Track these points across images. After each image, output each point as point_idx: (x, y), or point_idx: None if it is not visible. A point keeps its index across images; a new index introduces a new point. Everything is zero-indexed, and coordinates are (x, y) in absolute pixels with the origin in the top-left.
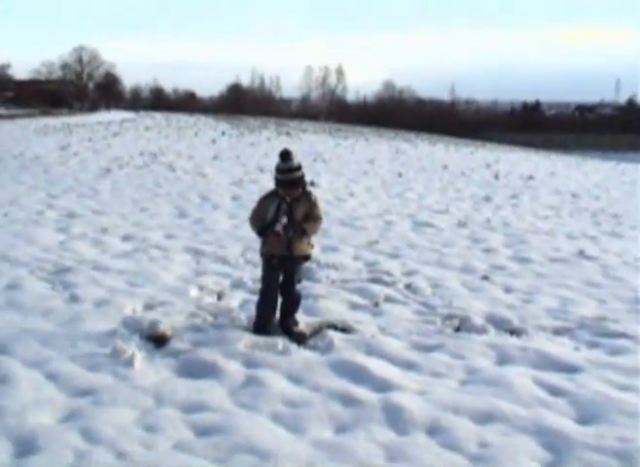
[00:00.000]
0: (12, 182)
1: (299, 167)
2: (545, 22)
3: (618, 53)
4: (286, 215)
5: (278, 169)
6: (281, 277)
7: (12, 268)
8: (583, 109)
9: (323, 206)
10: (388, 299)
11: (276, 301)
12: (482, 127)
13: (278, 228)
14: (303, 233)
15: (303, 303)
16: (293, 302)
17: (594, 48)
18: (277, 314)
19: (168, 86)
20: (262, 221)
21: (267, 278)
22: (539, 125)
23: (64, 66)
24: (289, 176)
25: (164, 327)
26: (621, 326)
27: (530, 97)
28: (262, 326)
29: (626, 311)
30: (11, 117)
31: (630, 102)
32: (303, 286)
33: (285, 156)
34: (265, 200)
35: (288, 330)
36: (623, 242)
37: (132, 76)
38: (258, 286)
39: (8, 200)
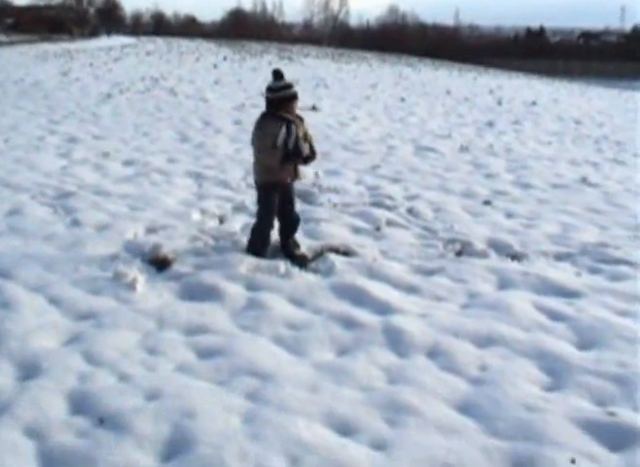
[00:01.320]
0: (12, 108)
1: (291, 85)
2: None
3: None
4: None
5: (274, 88)
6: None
7: (13, 193)
8: (587, 36)
9: (324, 131)
10: (390, 223)
11: (274, 226)
12: (486, 53)
13: (305, 152)
14: (314, 156)
15: (305, 226)
16: (295, 224)
17: None
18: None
19: (169, 11)
20: (276, 148)
21: (271, 205)
22: (543, 52)
23: None
24: (287, 92)
25: (166, 251)
26: (621, 252)
27: (534, 23)
28: (258, 251)
29: (628, 238)
30: (11, 43)
31: (635, 30)
32: (305, 210)
33: (278, 75)
34: (271, 124)
35: (290, 253)
36: (626, 169)
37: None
38: None
39: (8, 126)
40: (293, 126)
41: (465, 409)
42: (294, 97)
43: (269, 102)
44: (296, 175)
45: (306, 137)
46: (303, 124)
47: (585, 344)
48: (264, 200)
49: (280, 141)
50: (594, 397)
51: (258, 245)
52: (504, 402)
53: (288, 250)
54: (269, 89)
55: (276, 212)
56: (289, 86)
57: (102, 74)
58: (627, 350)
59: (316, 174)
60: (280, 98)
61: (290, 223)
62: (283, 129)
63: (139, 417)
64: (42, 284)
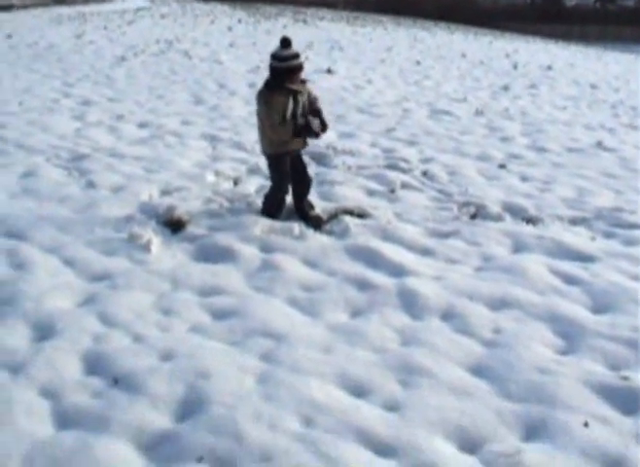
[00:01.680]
0: (26, 71)
1: (299, 54)
2: None
3: None
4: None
5: (281, 57)
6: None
7: (28, 155)
8: (605, 0)
9: (339, 94)
10: (404, 185)
11: (288, 191)
12: (502, 17)
13: (316, 128)
14: (325, 128)
15: (320, 188)
16: (308, 185)
17: None
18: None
19: None
20: (285, 122)
21: (284, 172)
22: (559, 16)
23: None
24: (294, 63)
25: (181, 212)
26: (636, 217)
27: None
28: (273, 215)
29: None
30: (24, 6)
31: None
32: (320, 172)
33: (286, 42)
34: (277, 98)
35: (305, 215)
36: None
37: None
38: None
39: (22, 89)
40: (299, 97)
41: (478, 371)
42: (300, 68)
43: (275, 71)
44: (304, 144)
45: (313, 103)
46: (306, 87)
47: (599, 308)
48: (275, 168)
49: (289, 114)
50: (608, 361)
51: (272, 210)
52: (517, 365)
53: (302, 212)
54: (276, 57)
55: (289, 177)
56: (296, 55)
57: (116, 37)
58: None
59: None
60: (286, 68)
61: (303, 185)
62: (290, 103)
63: (153, 378)
64: (56, 245)
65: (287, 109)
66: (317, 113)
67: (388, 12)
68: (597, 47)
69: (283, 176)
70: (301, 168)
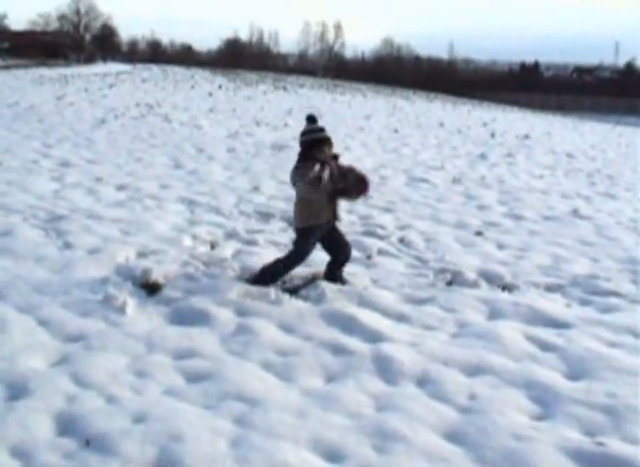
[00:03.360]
0: (6, 131)
1: (323, 128)
2: None
3: (617, 16)
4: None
5: (304, 131)
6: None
7: (5, 215)
8: (581, 71)
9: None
10: (381, 252)
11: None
12: (480, 87)
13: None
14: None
15: None
16: (350, 252)
17: (594, 10)
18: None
19: (166, 39)
20: (318, 182)
21: (305, 250)
22: (537, 86)
23: (61, 17)
24: (318, 135)
25: (157, 275)
26: (612, 284)
27: (529, 58)
28: (268, 281)
29: (618, 270)
30: (6, 67)
31: (629, 66)
32: None
33: (311, 119)
34: (305, 164)
35: (334, 276)
36: (618, 203)
37: (129, 28)
38: (251, 236)
39: (2, 149)
40: (326, 165)
41: (453, 437)
42: (324, 140)
43: (301, 145)
44: (334, 216)
45: (346, 173)
46: (338, 161)
47: (574, 375)
48: (300, 244)
49: (316, 173)
50: (583, 427)
51: (267, 278)
52: (492, 431)
53: (335, 275)
54: (301, 133)
55: (308, 257)
56: (320, 129)
57: (97, 99)
58: (617, 381)
59: None
60: (311, 141)
61: (344, 253)
62: (317, 166)
63: (126, 440)
64: (32, 305)
65: (315, 170)
66: (351, 171)
67: (368, 81)
68: (574, 116)
69: (302, 255)
70: (339, 238)
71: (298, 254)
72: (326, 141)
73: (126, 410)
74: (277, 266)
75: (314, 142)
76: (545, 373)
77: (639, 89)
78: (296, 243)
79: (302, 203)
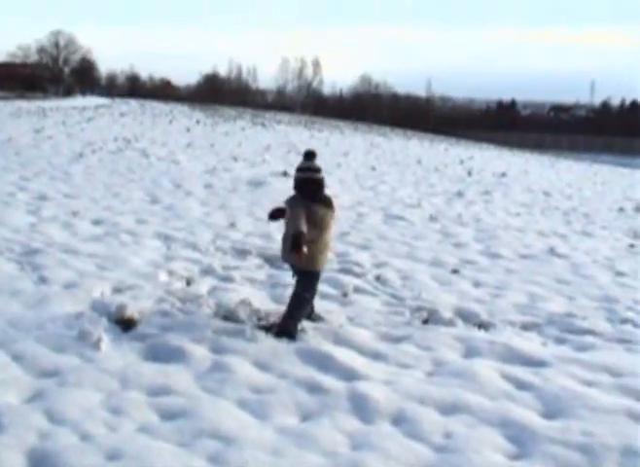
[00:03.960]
0: None
1: (320, 169)
2: (522, 24)
3: (593, 55)
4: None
5: (304, 168)
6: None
7: None
8: (558, 109)
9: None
10: (357, 289)
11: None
12: (458, 125)
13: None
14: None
15: (273, 291)
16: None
17: (570, 49)
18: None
19: (144, 73)
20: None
21: (315, 289)
22: (514, 125)
23: (40, 50)
24: (312, 176)
25: (132, 311)
26: (588, 323)
27: (506, 96)
28: (294, 335)
29: (594, 309)
30: None
31: (605, 104)
32: (273, 274)
33: (310, 155)
34: (298, 207)
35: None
36: (594, 241)
37: (108, 62)
38: (227, 273)
39: None
40: (314, 209)
41: None
42: (315, 182)
43: (296, 182)
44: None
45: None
46: (331, 209)
47: (550, 414)
48: (311, 285)
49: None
50: (559, 466)
51: (292, 326)
52: None
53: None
54: (297, 169)
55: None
56: (316, 169)
57: (75, 133)
58: (593, 420)
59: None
60: (305, 179)
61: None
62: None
63: None
64: (6, 340)
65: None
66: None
67: (346, 117)
68: (551, 154)
69: (314, 294)
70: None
71: (310, 295)
72: (315, 183)
73: (100, 447)
74: (300, 315)
75: (308, 181)
76: (521, 411)
77: (615, 127)
78: (305, 286)
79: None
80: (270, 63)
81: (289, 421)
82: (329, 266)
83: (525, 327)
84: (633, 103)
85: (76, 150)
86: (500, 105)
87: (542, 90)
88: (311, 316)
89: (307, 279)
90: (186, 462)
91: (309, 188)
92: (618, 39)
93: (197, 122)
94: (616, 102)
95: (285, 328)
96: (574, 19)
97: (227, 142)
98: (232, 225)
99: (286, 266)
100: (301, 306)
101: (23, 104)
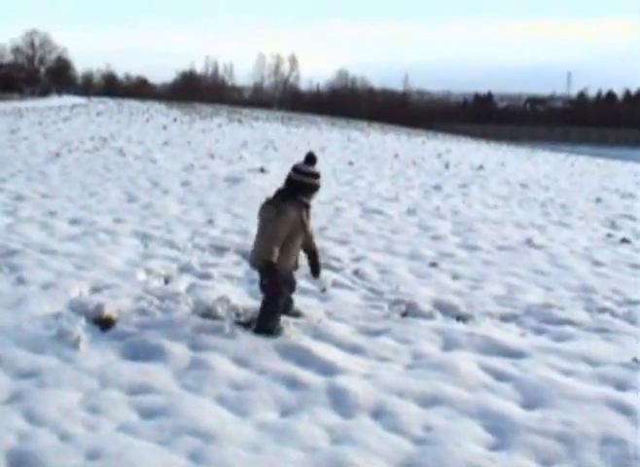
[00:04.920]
0: None
1: (319, 175)
2: (497, 16)
3: (569, 46)
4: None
5: (303, 172)
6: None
7: None
8: (534, 101)
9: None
10: (336, 284)
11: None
12: (435, 118)
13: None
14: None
15: (250, 287)
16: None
17: (546, 41)
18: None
19: (121, 72)
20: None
21: (278, 284)
22: (491, 117)
23: (16, 50)
24: (314, 181)
25: (110, 310)
26: (566, 313)
27: (482, 89)
28: (272, 330)
29: (572, 299)
30: None
31: (581, 95)
32: (250, 271)
33: (312, 159)
34: (290, 211)
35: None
36: (571, 232)
37: (85, 61)
38: (205, 270)
39: None
40: (307, 214)
41: None
42: (316, 188)
43: (292, 183)
44: (296, 265)
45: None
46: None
47: (529, 404)
48: (269, 283)
49: (308, 230)
50: (539, 456)
51: (270, 323)
52: (448, 461)
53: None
54: (298, 170)
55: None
56: (316, 175)
57: (51, 133)
58: (572, 409)
59: None
60: (301, 183)
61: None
62: (303, 218)
63: None
64: None
65: (300, 225)
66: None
67: (323, 113)
68: (528, 146)
69: (278, 290)
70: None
71: (280, 293)
72: (315, 189)
73: (80, 447)
74: (277, 313)
75: (304, 185)
76: (500, 402)
77: (591, 118)
78: (264, 285)
79: (267, 248)
80: (247, 60)
81: (268, 417)
82: (306, 261)
83: (504, 318)
84: (609, 94)
85: (52, 150)
86: (477, 98)
87: (518, 83)
88: (289, 311)
89: (266, 272)
90: (166, 460)
91: (306, 193)
92: (594, 30)
93: (174, 119)
94: (592, 93)
95: (262, 324)
96: (549, 11)
97: (204, 139)
98: (210, 222)
99: None
100: (271, 301)
101: None
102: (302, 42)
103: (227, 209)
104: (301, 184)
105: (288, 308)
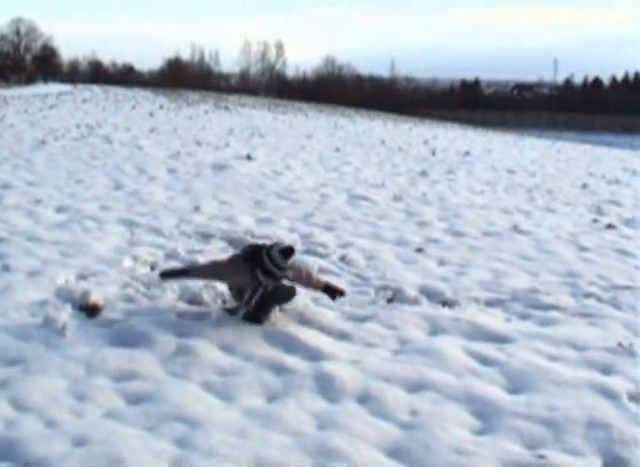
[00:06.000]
0: None
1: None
2: (484, 2)
3: (556, 33)
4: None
5: (279, 266)
6: None
7: None
8: (521, 88)
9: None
10: (322, 270)
11: None
12: (422, 105)
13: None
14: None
15: None
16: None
17: (533, 28)
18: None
19: (107, 59)
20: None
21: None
22: (478, 103)
23: (1, 38)
24: (280, 274)
25: (97, 297)
26: (552, 298)
27: (469, 75)
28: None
29: (557, 284)
30: None
31: (568, 82)
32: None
33: (290, 253)
34: (240, 269)
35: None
36: (557, 217)
37: (71, 49)
38: (192, 257)
39: None
40: (260, 290)
41: (395, 453)
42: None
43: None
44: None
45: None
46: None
47: (515, 389)
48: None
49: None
50: (524, 440)
51: (263, 314)
52: (434, 446)
53: None
54: (274, 262)
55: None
56: (286, 268)
57: (37, 121)
58: (557, 394)
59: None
60: (268, 270)
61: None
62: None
63: (66, 464)
64: None
65: (245, 284)
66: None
67: (310, 100)
68: (514, 132)
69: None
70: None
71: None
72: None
73: (66, 433)
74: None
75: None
76: (485, 387)
77: (578, 104)
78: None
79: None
80: (233, 47)
81: (255, 403)
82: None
83: (490, 303)
84: (596, 80)
85: (38, 137)
86: (464, 84)
87: (505, 69)
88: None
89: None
90: (152, 446)
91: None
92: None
93: (161, 106)
94: (579, 80)
95: (255, 314)
96: None
97: (190, 126)
98: (196, 209)
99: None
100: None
101: None
102: (289, 28)
103: (213, 196)
104: (267, 268)
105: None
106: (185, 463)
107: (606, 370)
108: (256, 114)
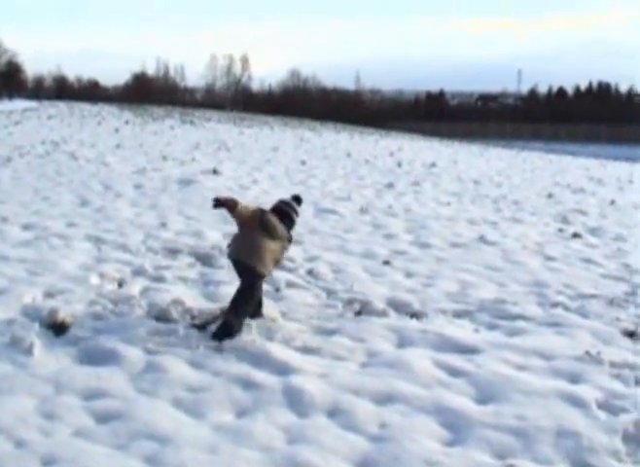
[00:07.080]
0: None
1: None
2: (447, 14)
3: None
4: None
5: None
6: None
7: None
8: (486, 98)
9: (225, 194)
10: (289, 284)
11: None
12: (387, 117)
13: None
14: None
15: (205, 289)
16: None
17: (497, 39)
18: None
19: (72, 75)
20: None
21: (259, 290)
22: (443, 115)
23: None
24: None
25: (64, 315)
26: (519, 308)
27: (434, 87)
28: (238, 330)
29: (524, 294)
30: None
31: (532, 92)
32: (205, 272)
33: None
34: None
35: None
36: (523, 227)
37: (36, 64)
38: (159, 273)
39: None
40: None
41: (365, 466)
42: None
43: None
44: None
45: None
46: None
47: (484, 399)
48: (257, 286)
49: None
50: (494, 450)
51: (236, 327)
52: (404, 458)
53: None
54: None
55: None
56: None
57: (2, 137)
58: (526, 403)
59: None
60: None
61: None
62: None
63: None
64: None
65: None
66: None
67: (275, 113)
68: (480, 143)
69: (258, 295)
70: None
71: (255, 298)
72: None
73: (36, 453)
74: (244, 317)
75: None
76: (454, 398)
77: (543, 114)
78: (245, 288)
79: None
80: (198, 61)
81: (224, 418)
82: None
83: (457, 314)
84: (560, 90)
85: (3, 154)
86: (429, 96)
87: (469, 80)
88: (257, 315)
89: (253, 278)
90: (122, 464)
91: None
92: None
93: (126, 122)
94: (543, 90)
95: (228, 326)
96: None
97: (156, 141)
98: (163, 224)
99: (219, 263)
100: (245, 303)
101: None
102: (254, 42)
103: (180, 211)
104: (291, 220)
105: (256, 313)
106: None
107: (574, 378)
108: (222, 128)
